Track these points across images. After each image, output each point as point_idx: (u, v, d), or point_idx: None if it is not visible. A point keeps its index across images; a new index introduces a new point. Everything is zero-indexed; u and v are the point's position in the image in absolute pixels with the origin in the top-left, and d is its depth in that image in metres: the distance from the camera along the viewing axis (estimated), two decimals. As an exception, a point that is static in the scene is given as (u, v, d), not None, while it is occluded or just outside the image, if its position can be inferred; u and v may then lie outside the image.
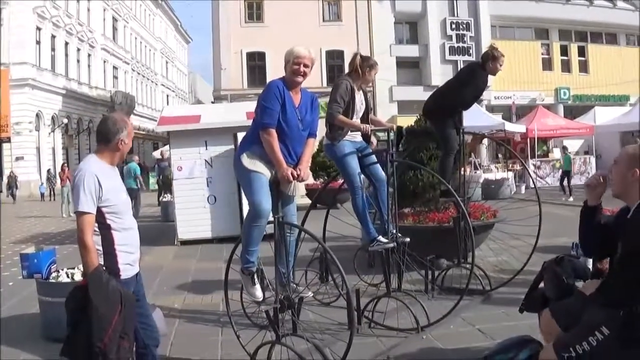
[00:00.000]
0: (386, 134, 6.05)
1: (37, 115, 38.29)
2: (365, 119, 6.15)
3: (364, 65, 6.00)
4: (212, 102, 37.18)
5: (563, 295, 3.84)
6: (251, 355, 4.79)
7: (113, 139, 3.89)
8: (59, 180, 26.15)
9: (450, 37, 37.96)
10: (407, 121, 11.04)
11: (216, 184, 12.75)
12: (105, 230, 3.80)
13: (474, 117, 21.33)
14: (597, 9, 40.40)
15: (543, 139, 28.80)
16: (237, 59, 36.14)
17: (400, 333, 5.79)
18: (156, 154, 35.45)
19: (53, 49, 40.84)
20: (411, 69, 38.80)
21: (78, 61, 45.25)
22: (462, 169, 7.85)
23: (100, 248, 3.77)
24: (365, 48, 34.77)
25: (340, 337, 5.32)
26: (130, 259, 3.92)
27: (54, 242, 13.54)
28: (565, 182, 20.98)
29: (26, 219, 21.82)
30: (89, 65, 47.22)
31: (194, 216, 12.77)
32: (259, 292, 4.90)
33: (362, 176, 6.04)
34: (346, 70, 6.28)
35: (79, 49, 45.30)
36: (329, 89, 6.09)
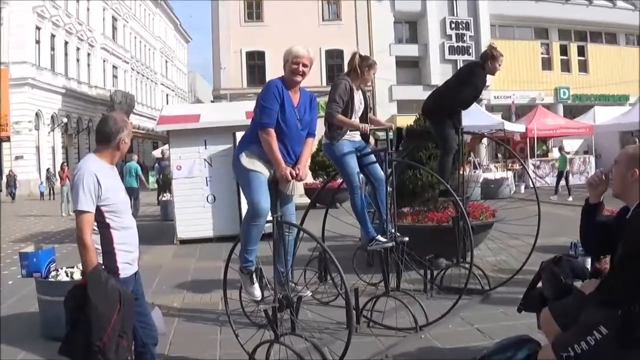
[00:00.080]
0: (385, 133, 6.06)
1: (36, 114, 38.27)
2: (364, 118, 6.15)
3: (363, 65, 6.00)
4: (212, 101, 37.19)
5: (561, 295, 3.85)
6: (250, 354, 4.79)
7: (114, 138, 3.90)
8: (58, 180, 26.15)
9: (449, 37, 37.95)
10: (407, 120, 11.06)
11: (215, 183, 12.76)
12: (104, 229, 3.80)
13: (474, 117, 21.34)
14: (596, 8, 40.40)
15: (542, 139, 28.80)
16: (236, 58, 36.12)
17: (398, 332, 5.80)
18: (156, 153, 35.48)
19: (53, 48, 40.82)
20: (411, 68, 38.79)
21: (78, 60, 45.23)
22: (461, 168, 7.86)
23: (99, 247, 3.78)
24: (365, 47, 34.76)
25: (339, 336, 5.33)
26: (129, 257, 3.93)
27: (54, 241, 13.53)
28: (562, 182, 20.97)
29: (26, 218, 21.82)
30: (88, 65, 47.20)
31: (194, 215, 12.78)
32: (257, 292, 4.91)
33: (361, 175, 6.04)
34: (345, 69, 6.28)
35: (78, 48, 45.27)
36: (329, 89, 6.10)
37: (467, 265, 6.78)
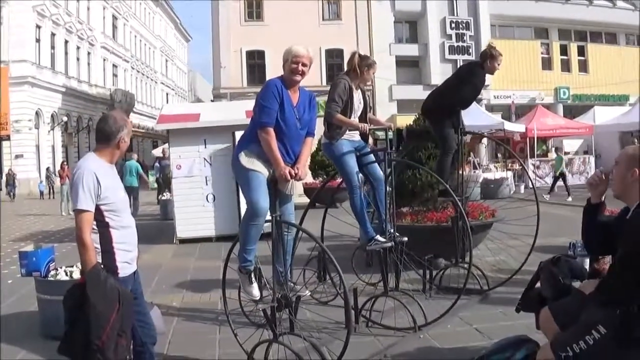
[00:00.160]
0: (384, 133, 6.06)
1: (36, 113, 38.26)
2: (363, 118, 6.15)
3: (362, 65, 6.00)
4: (212, 101, 37.19)
5: (559, 295, 3.85)
6: (248, 353, 4.80)
7: (114, 137, 3.91)
8: (58, 178, 26.16)
9: (449, 36, 37.95)
10: (407, 120, 11.05)
11: (215, 182, 12.76)
12: (103, 228, 3.81)
13: (474, 117, 21.36)
14: (596, 8, 40.39)
15: (542, 139, 28.79)
16: (236, 58, 36.12)
17: (397, 332, 5.80)
18: (157, 152, 35.45)
19: (53, 47, 40.81)
20: (411, 68, 38.79)
21: (78, 59, 45.21)
22: (461, 168, 7.87)
23: (99, 246, 3.78)
24: (365, 47, 34.77)
25: (338, 336, 5.34)
26: (128, 257, 3.93)
27: (53, 240, 13.53)
28: (560, 183, 20.97)
29: (25, 217, 21.82)
30: (88, 63, 47.18)
31: (193, 214, 12.78)
32: (256, 291, 4.91)
33: (360, 175, 6.05)
34: (345, 69, 6.28)
35: (78, 47, 45.26)
36: (329, 88, 6.10)
37: (466, 265, 6.78)
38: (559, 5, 39.25)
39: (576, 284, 4.05)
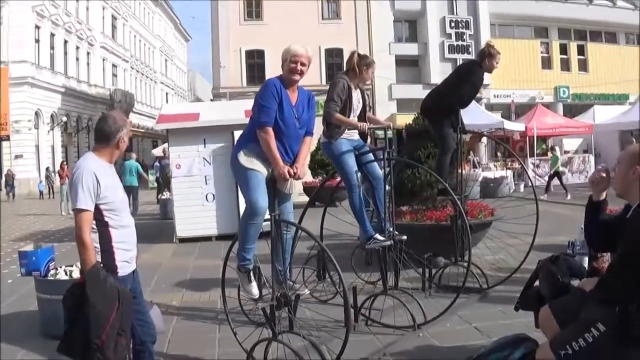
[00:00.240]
0: (384, 132, 6.07)
1: (36, 113, 38.26)
2: (362, 117, 6.16)
3: (361, 64, 6.01)
4: (212, 100, 37.18)
5: (558, 294, 3.85)
6: (248, 352, 4.81)
7: (113, 137, 3.92)
8: (58, 178, 26.18)
9: (449, 36, 37.95)
10: (407, 119, 11.07)
11: (214, 181, 12.78)
12: (102, 227, 3.82)
13: (473, 116, 21.33)
14: (596, 7, 40.41)
15: (542, 138, 28.79)
16: (236, 57, 36.12)
17: (396, 331, 5.81)
18: (157, 151, 35.48)
19: (52, 47, 40.81)
20: (410, 67, 38.79)
21: (77, 59, 45.20)
22: (460, 167, 7.87)
23: (98, 245, 3.79)
24: (365, 46, 34.78)
25: (337, 334, 5.35)
26: (127, 256, 3.94)
27: (53, 240, 13.54)
28: (556, 182, 20.99)
29: (25, 217, 21.83)
30: (88, 64, 47.18)
31: (193, 214, 12.79)
32: (255, 290, 4.91)
33: (359, 174, 6.05)
34: (345, 68, 6.29)
35: (78, 47, 45.26)
36: (328, 87, 6.10)
37: (465, 264, 6.79)
38: (559, 4, 39.25)
39: (575, 283, 4.06)
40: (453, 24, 38.05)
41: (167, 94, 71.65)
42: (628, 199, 3.46)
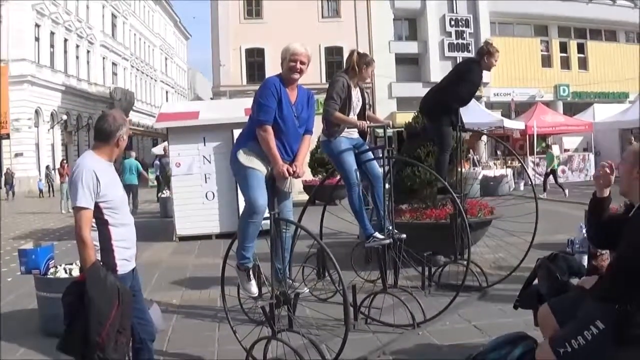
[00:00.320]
0: (383, 130, 6.08)
1: (36, 111, 38.27)
2: (362, 115, 6.16)
3: (361, 63, 6.01)
4: (212, 98, 37.15)
5: (557, 293, 3.86)
6: (247, 350, 4.81)
7: (113, 136, 3.93)
8: (58, 177, 26.21)
9: (449, 34, 37.86)
10: (406, 117, 11.06)
11: (214, 180, 12.79)
12: (102, 225, 3.82)
13: (473, 114, 21.33)
14: (596, 5, 40.31)
15: (542, 136, 28.80)
16: (236, 56, 36.08)
17: (396, 329, 5.82)
18: (157, 150, 35.45)
19: (52, 46, 40.82)
20: (410, 65, 38.73)
21: (77, 58, 45.21)
22: (460, 165, 7.88)
23: (98, 243, 3.79)
24: (365, 44, 34.75)
25: (337, 333, 5.35)
26: (127, 254, 3.94)
27: (53, 238, 13.55)
28: (552, 181, 21.01)
29: (25, 215, 21.83)
30: (88, 62, 47.18)
31: (193, 212, 12.80)
32: (254, 288, 4.91)
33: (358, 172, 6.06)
34: (344, 67, 6.29)
35: (78, 46, 45.26)
36: (328, 86, 6.10)
37: (464, 262, 6.79)
38: (559, 2, 39.16)
39: (574, 281, 4.06)
40: (453, 22, 37.99)
41: (167, 92, 71.63)
42: (631, 198, 3.45)
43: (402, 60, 38.14)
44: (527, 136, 26.89)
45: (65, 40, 42.97)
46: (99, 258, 3.76)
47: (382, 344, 5.45)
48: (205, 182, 12.82)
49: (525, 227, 7.50)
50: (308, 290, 5.51)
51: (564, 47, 41.16)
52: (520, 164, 23.26)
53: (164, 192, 18.86)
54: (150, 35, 65.39)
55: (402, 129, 9.99)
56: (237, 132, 5.62)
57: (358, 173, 6.00)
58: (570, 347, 3.19)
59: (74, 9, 44.31)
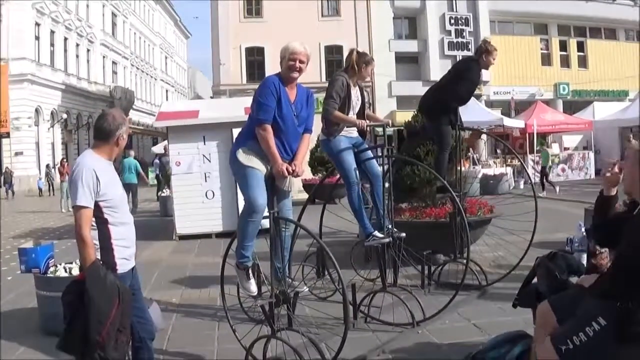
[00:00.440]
0: (382, 129, 6.08)
1: (36, 110, 38.29)
2: (361, 114, 6.16)
3: (360, 62, 6.01)
4: (211, 97, 37.14)
5: (556, 291, 3.86)
6: (247, 349, 4.82)
7: (112, 135, 3.93)
8: (58, 176, 26.22)
9: (449, 32, 37.85)
10: (406, 116, 11.06)
11: (214, 179, 12.79)
12: (102, 224, 3.83)
13: (473, 113, 21.31)
14: (596, 4, 40.26)
15: (542, 134, 28.79)
16: (236, 54, 36.08)
17: (395, 328, 5.82)
18: (157, 149, 35.47)
19: (52, 45, 40.83)
20: (410, 64, 38.72)
21: (77, 56, 45.23)
22: (459, 164, 7.87)
23: (97, 242, 3.80)
24: (364, 43, 34.74)
25: (336, 331, 5.34)
26: (126, 253, 3.95)
27: (53, 237, 13.55)
28: (547, 178, 21.05)
29: (25, 214, 21.83)
30: (88, 61, 47.21)
31: (192, 211, 12.80)
32: (253, 287, 4.91)
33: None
34: (344, 66, 6.29)
35: (78, 45, 45.27)
36: (327, 85, 6.10)
37: (464, 261, 6.79)
38: (558, 1, 39.12)
39: (573, 280, 4.07)
40: (453, 21, 37.98)
41: (167, 91, 71.63)
42: (635, 195, 3.44)
43: (401, 58, 38.14)
44: (527, 135, 26.86)
45: (65, 39, 42.98)
46: (99, 257, 3.76)
47: (381, 342, 5.46)
48: (205, 181, 12.82)
49: (524, 226, 7.51)
50: (307, 289, 5.51)
51: (563, 46, 41.15)
52: (520, 163, 23.26)
53: (164, 190, 18.87)
54: (151, 34, 65.39)
55: (402, 128, 9.99)
56: (236, 131, 5.62)
57: (357, 172, 6.00)
58: (572, 344, 3.18)
59: (74, 8, 44.33)
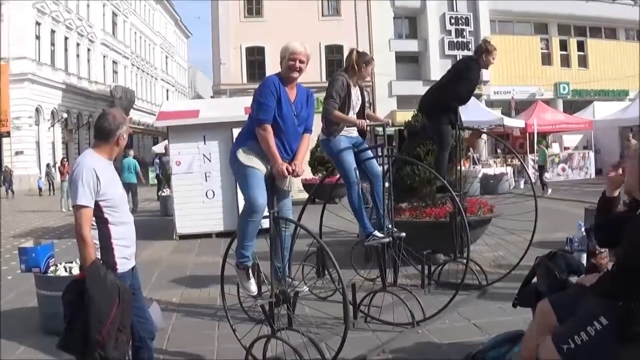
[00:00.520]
0: (382, 129, 6.08)
1: (36, 109, 38.31)
2: (361, 114, 6.16)
3: (360, 61, 6.01)
4: (212, 97, 37.15)
5: (556, 291, 3.85)
6: (247, 348, 4.82)
7: (113, 135, 3.94)
8: (58, 175, 26.23)
9: (449, 32, 37.89)
10: (406, 116, 11.07)
11: (214, 178, 12.79)
12: (102, 224, 3.83)
13: (473, 112, 21.31)
14: (596, 3, 40.26)
15: (542, 134, 28.78)
16: (236, 54, 36.12)
17: (396, 327, 5.82)
18: (158, 148, 35.46)
19: (52, 44, 40.85)
20: (410, 63, 38.76)
21: (78, 56, 45.25)
22: (459, 164, 7.87)
23: (97, 242, 3.80)
24: (365, 43, 34.77)
25: (336, 331, 5.34)
26: (126, 252, 3.95)
27: (53, 237, 13.56)
28: (544, 177, 21.07)
29: (25, 213, 21.83)
30: (88, 60, 47.22)
31: (193, 211, 12.80)
32: (253, 287, 4.91)
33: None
34: (344, 66, 6.29)
35: (78, 44, 45.29)
36: (327, 84, 6.11)
37: (464, 261, 6.79)
38: (559, 0, 39.14)
39: (573, 279, 4.07)
40: (453, 21, 38.00)
41: (167, 90, 71.64)
42: (637, 195, 3.44)
43: (402, 58, 38.18)
44: (527, 134, 26.84)
45: (66, 38, 43.00)
46: (99, 256, 3.77)
47: (381, 342, 5.46)
48: (206, 180, 12.83)
49: (524, 226, 7.51)
50: (307, 288, 5.51)
51: (563, 45, 41.17)
52: (520, 162, 23.26)
53: (164, 190, 18.89)
54: (151, 33, 65.40)
55: (402, 128, 9.99)
56: (237, 131, 5.62)
57: (357, 172, 6.00)
58: (574, 343, 3.17)
59: (75, 7, 44.34)
